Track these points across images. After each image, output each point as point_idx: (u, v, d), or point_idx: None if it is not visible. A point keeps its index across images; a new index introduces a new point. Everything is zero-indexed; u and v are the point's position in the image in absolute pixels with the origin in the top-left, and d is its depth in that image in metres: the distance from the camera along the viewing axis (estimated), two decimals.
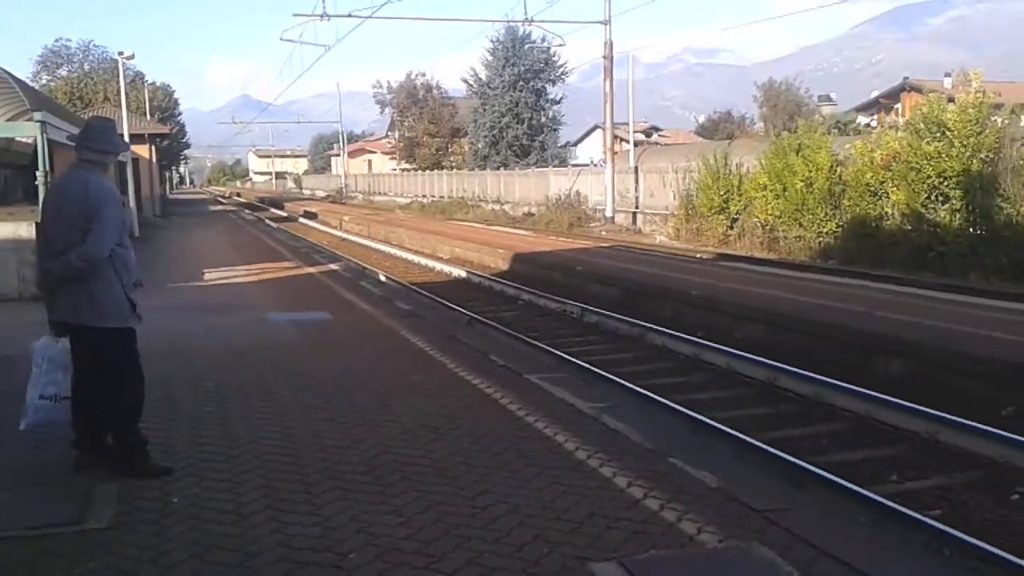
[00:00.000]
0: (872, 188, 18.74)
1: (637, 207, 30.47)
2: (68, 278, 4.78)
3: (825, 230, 19.77)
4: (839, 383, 8.32)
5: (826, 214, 19.74)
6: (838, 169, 20.11)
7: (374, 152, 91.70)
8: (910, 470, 6.63)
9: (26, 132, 15.92)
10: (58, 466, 5.01)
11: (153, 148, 40.95)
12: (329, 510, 4.41)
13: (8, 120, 21.06)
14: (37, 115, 13.21)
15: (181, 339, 8.95)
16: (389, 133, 78.37)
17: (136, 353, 5.03)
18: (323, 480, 4.84)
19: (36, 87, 39.28)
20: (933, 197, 17.04)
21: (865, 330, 9.99)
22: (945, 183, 16.78)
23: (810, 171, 20.08)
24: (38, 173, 12.57)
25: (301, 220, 43.98)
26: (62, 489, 4.76)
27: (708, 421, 7.48)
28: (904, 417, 7.50)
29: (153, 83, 63.32)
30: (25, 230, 12.44)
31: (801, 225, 20.23)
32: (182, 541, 4.06)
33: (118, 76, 33.77)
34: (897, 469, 6.63)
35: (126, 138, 21.51)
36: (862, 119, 53.63)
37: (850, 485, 6.02)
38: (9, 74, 19.35)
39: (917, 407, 7.47)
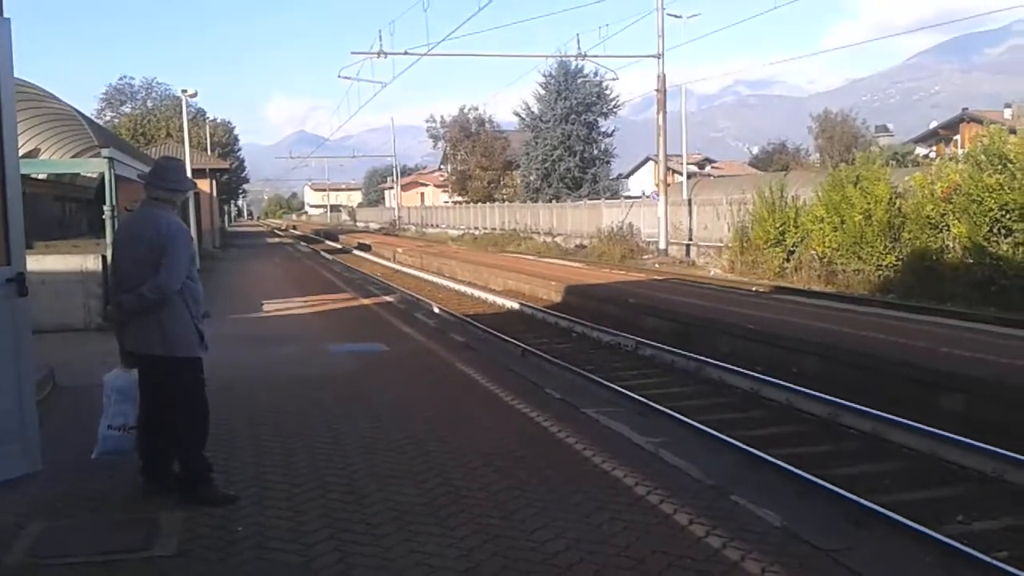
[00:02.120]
0: (932, 221, 18.44)
1: (690, 239, 30.32)
2: (140, 311, 4.92)
3: (884, 263, 19.46)
4: (901, 420, 8.14)
5: (885, 247, 19.45)
6: (897, 201, 19.83)
7: (427, 185, 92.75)
8: (976, 510, 6.44)
9: (94, 168, 16.43)
10: (126, 494, 5.12)
11: (213, 182, 41.94)
12: (389, 541, 4.44)
13: (75, 156, 21.79)
14: (105, 151, 13.61)
15: (242, 369, 9.11)
16: (442, 166, 79.21)
17: (202, 382, 5.15)
18: (382, 511, 4.87)
19: (101, 123, 40.59)
20: (995, 230, 16.71)
21: (927, 366, 9.78)
22: (1007, 216, 16.45)
23: (869, 203, 19.83)
24: (105, 207, 12.92)
25: (355, 252, 44.53)
26: (130, 516, 4.86)
27: (769, 458, 7.37)
28: (969, 455, 7.30)
29: (214, 119, 65.05)
30: (91, 263, 12.80)
31: (860, 258, 19.95)
32: (247, 570, 4.13)
33: (180, 113, 34.73)
34: (962, 509, 6.45)
35: (188, 173, 22.06)
36: (920, 150, 52.80)
37: (915, 525, 5.87)
38: (77, 111, 20.01)
39: (982, 445, 7.26)
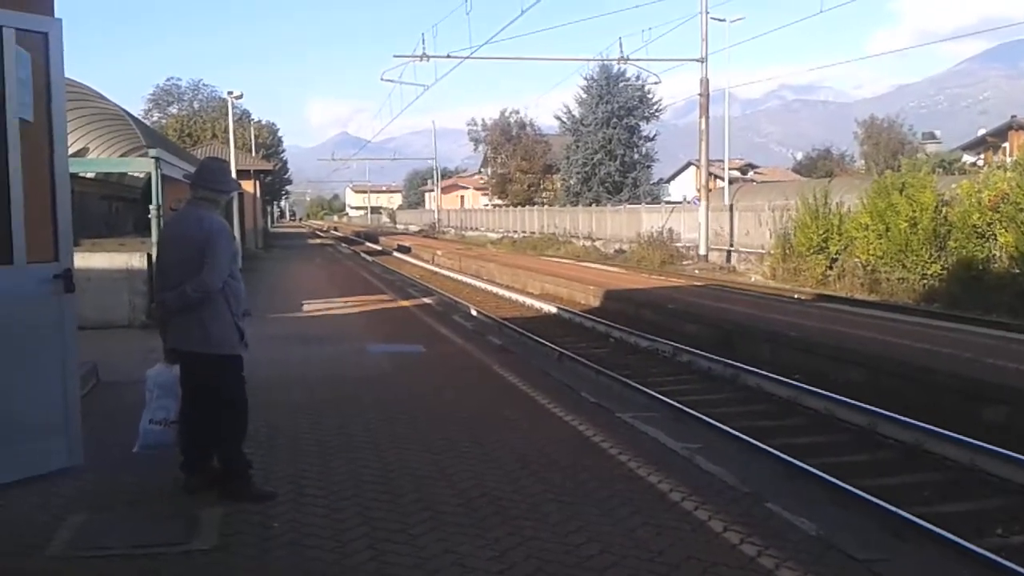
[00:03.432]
0: (979, 230, 18.13)
1: (731, 245, 30.10)
2: (183, 308, 5.01)
3: (929, 272, 19.17)
4: (942, 431, 8.02)
5: (931, 255, 19.16)
6: (943, 209, 19.52)
7: (467, 188, 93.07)
8: (1016, 524, 6.33)
9: (141, 167, 16.73)
10: (166, 488, 5.19)
11: (257, 183, 42.47)
12: (424, 540, 4.46)
13: (122, 155, 22.20)
14: (152, 151, 13.85)
15: (282, 368, 9.20)
16: (482, 169, 79.47)
17: (242, 380, 5.22)
18: (418, 511, 4.90)
19: (148, 123, 41.30)
20: None
21: (971, 376, 9.62)
22: None
23: (914, 211, 19.54)
24: (151, 207, 13.15)
25: (395, 254, 44.82)
26: (169, 510, 4.93)
27: (806, 467, 7.30)
28: (1011, 468, 7.17)
29: (259, 121, 65.87)
30: (137, 261, 13.02)
31: (904, 266, 19.66)
32: (284, 565, 4.17)
33: (226, 114, 35.23)
34: (1003, 522, 6.34)
35: (233, 174, 22.36)
36: (968, 158, 51.85)
37: (954, 538, 5.77)
38: (126, 112, 20.39)
39: None
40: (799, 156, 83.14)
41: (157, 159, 13.20)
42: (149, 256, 12.92)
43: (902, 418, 8.49)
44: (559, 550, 4.36)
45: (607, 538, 4.51)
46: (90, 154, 19.80)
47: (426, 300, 18.37)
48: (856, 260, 21.55)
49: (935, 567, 5.32)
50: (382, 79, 34.91)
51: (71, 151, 12.56)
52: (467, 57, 31.47)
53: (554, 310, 19.37)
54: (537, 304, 20.79)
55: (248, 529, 4.62)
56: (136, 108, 53.35)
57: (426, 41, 31.29)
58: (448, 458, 6.00)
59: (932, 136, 68.58)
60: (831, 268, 22.58)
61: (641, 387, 10.66)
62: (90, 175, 19.50)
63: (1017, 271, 16.78)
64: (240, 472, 5.13)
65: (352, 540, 4.47)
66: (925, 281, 19.31)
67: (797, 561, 4.27)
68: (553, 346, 13.99)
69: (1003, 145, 47.35)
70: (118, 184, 24.40)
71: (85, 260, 10.91)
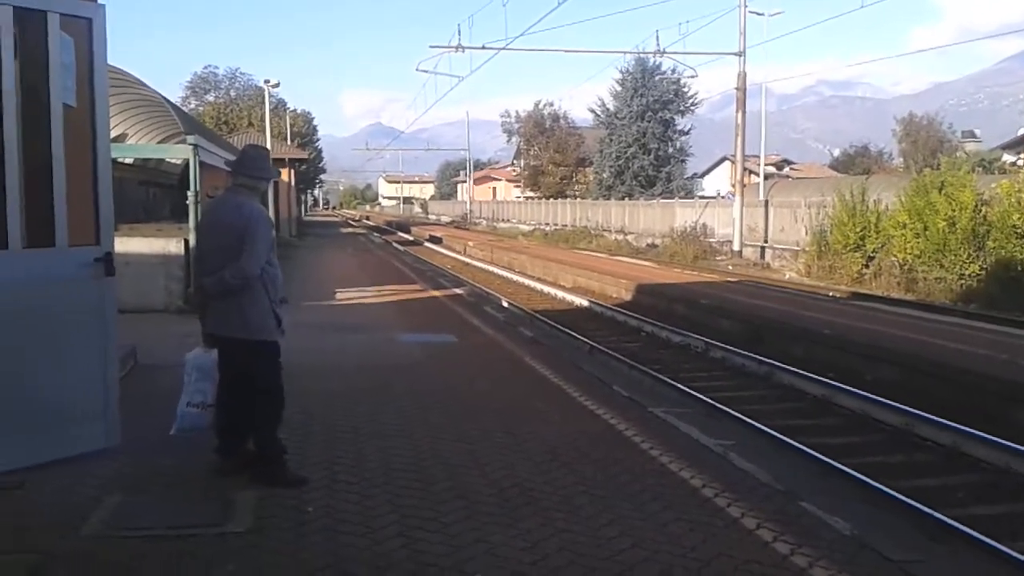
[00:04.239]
0: (1019, 230, 17.83)
1: (766, 242, 29.84)
2: (221, 294, 5.05)
3: (967, 272, 18.88)
4: (979, 433, 7.92)
5: (969, 255, 18.87)
6: (983, 209, 19.21)
7: (499, 180, 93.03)
8: None
9: (180, 153, 16.88)
10: (202, 471, 5.25)
11: (292, 172, 42.74)
12: (455, 529, 4.48)
13: (161, 141, 22.43)
14: (190, 138, 13.96)
15: (315, 355, 9.25)
16: (515, 161, 79.40)
17: (279, 365, 5.26)
18: (450, 499, 4.91)
19: (186, 111, 41.69)
20: None
21: (1008, 379, 9.47)
22: None
23: (953, 210, 19.25)
24: (189, 193, 13.27)
25: (427, 244, 44.95)
26: (204, 493, 4.99)
27: (840, 466, 7.23)
28: None
29: (294, 110, 66.28)
30: (174, 246, 13.15)
31: (942, 266, 19.38)
32: (317, 550, 4.20)
33: (262, 103, 35.51)
34: None
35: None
36: (1008, 157, 50.91)
37: (988, 540, 5.70)
38: (165, 99, 20.58)
39: None
40: (836, 153, 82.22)
41: (195, 146, 13.31)
42: (186, 242, 13.05)
43: (938, 419, 8.38)
44: (591, 543, 4.35)
45: (639, 532, 4.50)
46: (129, 140, 20.01)
47: (457, 291, 18.40)
48: (893, 259, 21.28)
49: (969, 569, 5.24)
50: (417, 69, 34.95)
51: (111, 136, 12.71)
52: (502, 48, 31.39)
53: (586, 303, 19.33)
54: (569, 297, 20.75)
55: (282, 513, 4.66)
56: (174, 95, 53.90)
57: (462, 32, 31.19)
58: (480, 448, 6.01)
59: (972, 135, 67.41)
60: (867, 266, 22.31)
61: (673, 382, 10.61)
62: (128, 160, 19.71)
63: None
64: (275, 457, 5.18)
65: (384, 527, 4.50)
66: (963, 281, 19.03)
67: (830, 560, 4.23)
68: (584, 339, 13.96)
69: None
70: (156, 170, 24.65)
71: (123, 245, 10.99)
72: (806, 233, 25.80)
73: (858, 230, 22.57)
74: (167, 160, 23.56)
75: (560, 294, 21.51)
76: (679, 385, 10.43)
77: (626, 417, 7.07)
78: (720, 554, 4.26)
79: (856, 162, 62.26)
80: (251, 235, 5.02)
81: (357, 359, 9.50)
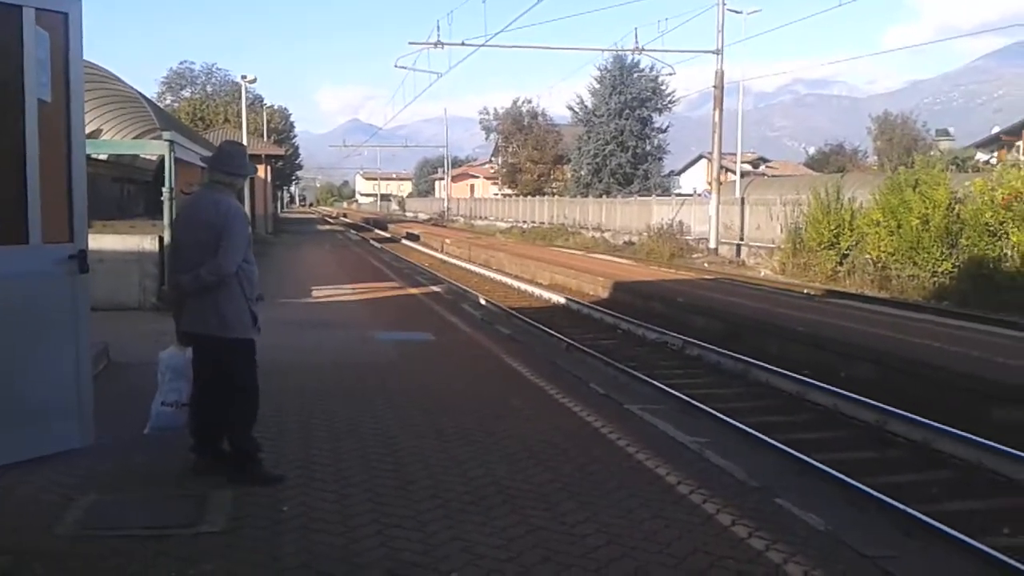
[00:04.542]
0: (991, 228, 18.06)
1: (742, 239, 30.03)
2: (197, 291, 5.02)
3: (940, 270, 19.10)
4: (951, 429, 8.00)
5: (942, 253, 19.09)
6: (956, 207, 19.43)
7: (477, 177, 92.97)
8: (1023, 523, 6.32)
9: (155, 150, 16.73)
10: (176, 470, 5.22)
11: (269, 168, 42.49)
12: (433, 527, 4.48)
13: (136, 137, 22.25)
14: (166, 134, 13.86)
15: (291, 353, 9.22)
16: (493, 158, 79.33)
17: (255, 363, 5.24)
18: (427, 498, 4.92)
19: (161, 107, 41.33)
20: None
21: (981, 375, 9.58)
22: None
23: (927, 208, 19.47)
24: (164, 189, 13.17)
25: (404, 241, 44.84)
26: (179, 492, 4.96)
27: (814, 463, 7.29)
28: (1019, 468, 7.16)
29: (271, 106, 65.85)
30: (148, 243, 13.05)
31: (915, 264, 19.60)
32: (293, 548, 4.19)
33: (239, 99, 35.23)
34: (1009, 522, 6.32)
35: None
36: (981, 156, 51.50)
37: (961, 536, 5.77)
38: (141, 94, 20.41)
39: None
40: (811, 151, 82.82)
41: (171, 142, 13.21)
42: (160, 239, 12.95)
43: (911, 416, 8.47)
44: (566, 540, 4.37)
45: (615, 529, 4.52)
46: (103, 136, 19.85)
47: (435, 288, 18.39)
48: (867, 256, 21.49)
49: (942, 565, 5.31)
50: (396, 66, 34.91)
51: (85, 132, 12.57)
52: (482, 45, 31.38)
53: (563, 300, 19.36)
54: (546, 294, 20.78)
55: (257, 512, 4.65)
56: (149, 91, 53.35)
57: (441, 28, 31.15)
58: (457, 446, 6.02)
59: (946, 133, 68.14)
60: (841, 264, 22.51)
61: (649, 379, 10.65)
62: (102, 157, 19.54)
63: None
64: (250, 455, 5.16)
65: (361, 525, 4.49)
66: (936, 279, 19.24)
67: (805, 556, 4.28)
68: (561, 336, 13.99)
69: (1017, 143, 47.03)
70: (130, 166, 24.46)
71: (97, 242, 10.91)
72: (781, 231, 26.01)
73: (832, 228, 22.76)
74: (141, 156, 23.36)
75: (537, 292, 21.53)
76: (655, 382, 10.47)
77: (602, 414, 7.10)
78: (696, 550, 4.29)
79: (831, 160, 62.70)
80: (228, 232, 4.99)
81: (333, 357, 9.48)
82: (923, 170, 20.70)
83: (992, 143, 53.37)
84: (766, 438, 8.02)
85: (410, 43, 32.96)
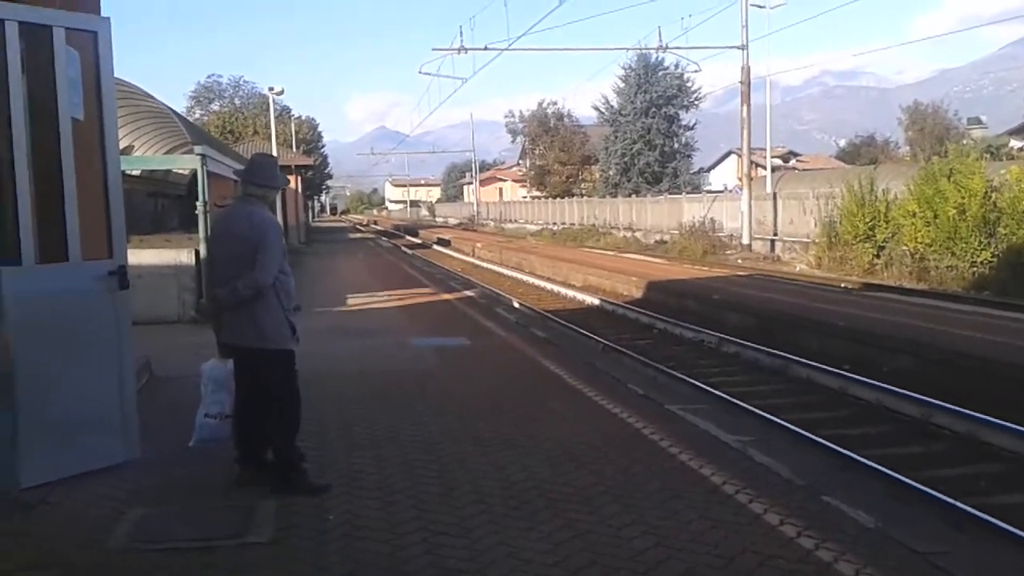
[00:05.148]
0: None
1: (775, 234, 29.76)
2: (235, 304, 5.05)
3: (979, 259, 18.78)
4: (997, 421, 7.86)
5: (980, 243, 18.77)
6: (993, 195, 19.11)
7: (505, 180, 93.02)
8: None
9: (187, 164, 16.92)
10: (221, 481, 5.26)
11: (299, 179, 42.82)
12: (478, 533, 4.46)
13: (167, 152, 22.52)
14: (198, 148, 14.02)
15: (330, 362, 9.26)
16: (520, 161, 79.35)
17: (295, 373, 5.26)
18: (471, 503, 4.90)
19: (190, 120, 41.81)
20: None
21: None
22: None
23: (963, 197, 19.16)
24: (197, 203, 13.31)
25: (435, 247, 44.98)
26: (225, 503, 4.98)
27: (860, 459, 7.19)
28: None
29: (299, 117, 66.40)
30: (185, 257, 13.19)
31: (953, 254, 19.29)
32: (339, 557, 4.20)
33: (267, 110, 35.55)
34: None
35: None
36: (1015, 143, 50.68)
37: (1013, 529, 5.66)
38: (171, 110, 20.64)
39: None
40: (842, 143, 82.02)
41: (203, 156, 13.36)
42: (197, 252, 13.08)
43: (956, 408, 8.33)
44: (613, 543, 4.34)
45: (662, 531, 4.48)
46: (135, 151, 20.10)
47: (468, 293, 18.40)
48: (904, 248, 21.19)
49: (995, 558, 5.21)
50: (420, 72, 34.99)
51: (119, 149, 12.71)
52: (505, 49, 31.38)
53: (597, 302, 19.30)
54: (579, 296, 20.73)
55: (303, 522, 4.66)
56: (178, 105, 53.98)
57: (464, 33, 31.21)
58: (497, 450, 6.00)
59: (978, 121, 67.11)
60: (878, 256, 22.22)
61: (688, 379, 10.58)
62: (136, 172, 19.78)
63: None
64: (294, 465, 5.17)
65: (406, 533, 4.49)
66: (975, 269, 18.94)
67: (855, 554, 4.21)
68: (597, 338, 13.94)
69: None
70: (163, 181, 24.72)
71: (135, 257, 10.95)
72: (815, 225, 25.72)
73: (868, 220, 22.48)
74: (174, 171, 23.63)
75: (571, 293, 21.49)
76: (694, 381, 10.40)
77: (642, 415, 7.05)
78: (744, 550, 4.24)
79: (862, 152, 61.99)
80: (263, 244, 5.01)
81: (371, 364, 9.51)
82: (957, 159, 20.39)
83: None
84: (810, 435, 7.94)
85: (434, 49, 33.21)
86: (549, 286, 23.49)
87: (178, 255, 13.17)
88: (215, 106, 65.14)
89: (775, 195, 30.44)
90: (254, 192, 5.28)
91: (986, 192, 19.14)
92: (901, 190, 22.16)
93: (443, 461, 5.77)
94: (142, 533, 4.57)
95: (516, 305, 18.53)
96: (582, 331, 14.72)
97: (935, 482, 6.65)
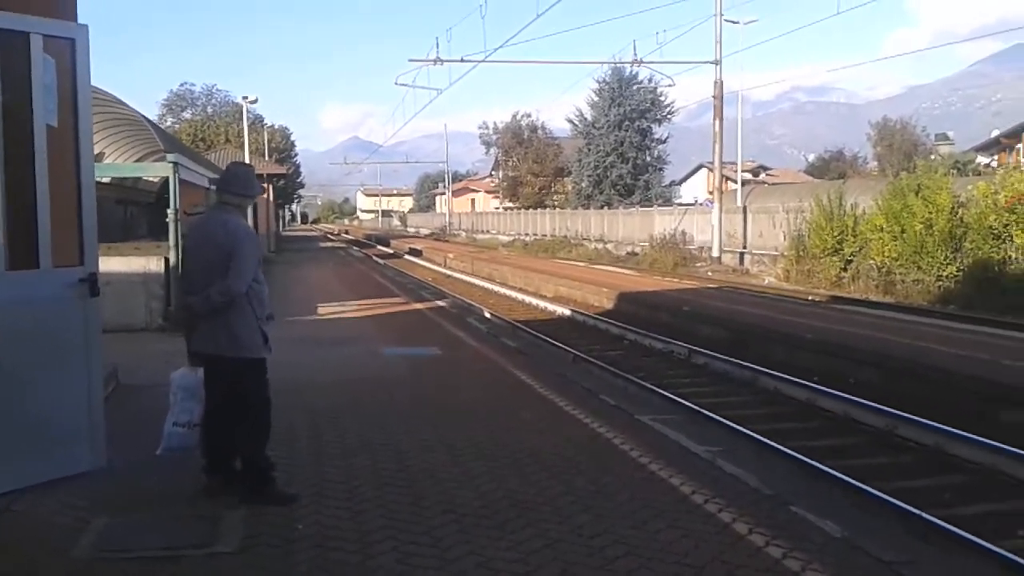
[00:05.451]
0: (995, 231, 18.04)
1: (745, 247, 30.03)
2: (208, 312, 5.03)
3: (945, 274, 19.08)
4: (963, 433, 7.97)
5: (946, 257, 19.07)
6: (959, 211, 19.43)
7: (478, 191, 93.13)
8: None
9: (159, 172, 16.76)
10: (189, 490, 5.21)
11: (271, 187, 42.59)
12: (448, 542, 4.47)
13: (138, 160, 22.29)
14: (170, 156, 13.91)
15: (299, 371, 9.19)
16: (493, 172, 79.49)
17: (267, 383, 5.24)
18: (441, 513, 4.90)
19: (163, 128, 41.46)
20: None
21: (990, 378, 9.56)
22: None
23: (930, 212, 19.46)
24: (168, 210, 13.21)
25: (407, 257, 44.86)
26: (192, 512, 4.95)
27: (827, 469, 7.26)
28: None
29: (272, 125, 66.10)
30: (154, 264, 13.07)
31: (920, 268, 19.58)
32: (308, 567, 4.18)
33: (239, 119, 35.38)
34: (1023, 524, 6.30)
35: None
36: (981, 159, 51.56)
37: (977, 540, 5.75)
38: (144, 117, 20.48)
39: None
40: (811, 158, 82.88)
41: (175, 164, 13.26)
42: (166, 260, 12.98)
43: (922, 420, 8.44)
44: (584, 552, 4.36)
45: (632, 540, 4.51)
46: (106, 159, 19.89)
47: (439, 303, 18.39)
48: (871, 262, 21.48)
49: (960, 569, 5.29)
50: (396, 83, 35.03)
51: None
52: (481, 61, 31.53)
53: (568, 312, 19.35)
54: (551, 307, 20.77)
55: (271, 531, 4.64)
56: (151, 113, 53.57)
57: (440, 45, 31.28)
58: (468, 460, 6.01)
59: (945, 137, 68.20)
60: (845, 270, 22.50)
61: (659, 389, 10.63)
62: (105, 179, 19.56)
63: None
64: (263, 474, 5.15)
65: (376, 542, 4.48)
66: (940, 283, 19.22)
67: (823, 563, 4.26)
68: (568, 348, 13.97)
69: (1017, 146, 47.05)
70: (132, 188, 24.46)
71: (104, 264, 10.77)
72: (784, 238, 26.00)
73: (836, 234, 22.76)
74: (144, 178, 23.40)
75: (542, 304, 21.52)
76: (664, 392, 10.45)
77: (613, 425, 7.09)
78: (714, 559, 4.28)
79: (831, 167, 62.74)
80: (238, 253, 5.00)
81: (342, 374, 9.47)
82: (925, 175, 20.72)
83: (992, 146, 53.40)
84: (778, 446, 8.00)
85: (410, 60, 33.43)
86: (521, 297, 23.52)
87: (147, 263, 13.05)
88: (187, 114, 64.77)
89: (745, 208, 30.73)
90: (230, 200, 5.28)
91: (953, 207, 19.45)
92: (869, 205, 22.47)
93: (413, 471, 5.76)
94: (108, 542, 4.53)
95: (487, 315, 18.53)
96: (553, 342, 14.75)
97: (901, 493, 6.72)
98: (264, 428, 5.21)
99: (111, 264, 12.28)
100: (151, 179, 22.99)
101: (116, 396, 7.90)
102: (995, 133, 56.19)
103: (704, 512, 4.98)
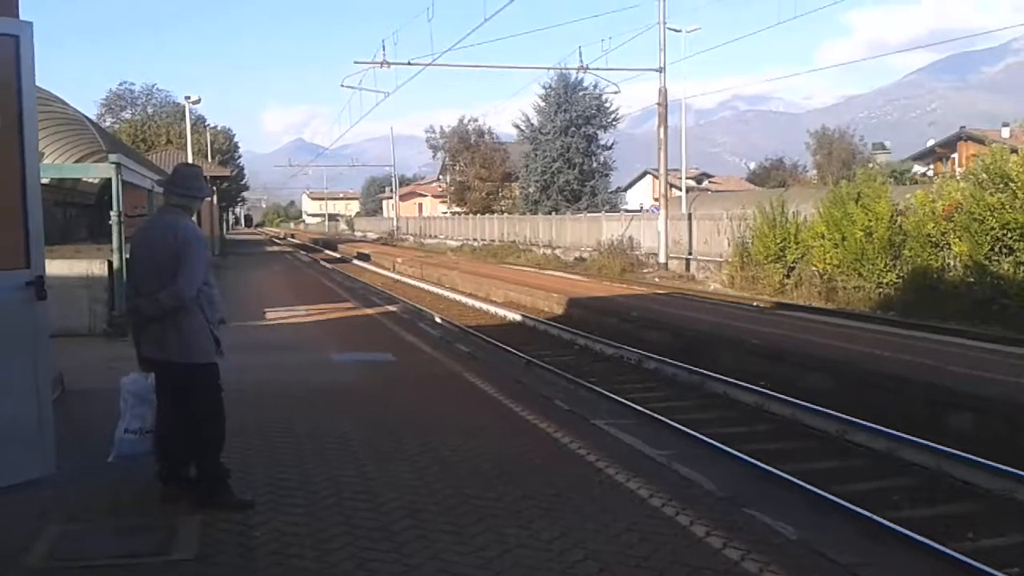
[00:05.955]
0: (933, 239, 18.50)
1: (690, 254, 30.39)
2: (157, 316, 4.93)
3: (885, 281, 19.50)
4: (910, 437, 8.18)
5: (886, 264, 19.49)
6: (898, 219, 19.89)
7: (425, 195, 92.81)
8: (986, 527, 6.48)
9: (102, 173, 16.38)
10: (144, 498, 5.11)
11: (214, 190, 41.89)
12: (409, 548, 4.44)
13: (79, 160, 21.77)
14: (113, 157, 13.59)
15: (249, 377, 9.05)
16: (440, 177, 79.31)
17: (219, 388, 5.15)
18: (401, 519, 4.87)
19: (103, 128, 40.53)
20: (996, 249, 16.76)
21: (934, 383, 9.81)
22: (1009, 235, 16.52)
23: (870, 220, 19.87)
24: (112, 213, 12.93)
25: (355, 262, 44.54)
26: (147, 520, 4.85)
27: (781, 473, 7.39)
28: (978, 473, 7.34)
29: (214, 127, 65.05)
30: (97, 268, 12.77)
31: (860, 275, 19.99)
32: (267, 574, 4.12)
33: (181, 119, 34.78)
34: (972, 526, 6.49)
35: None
36: (918, 168, 53.01)
37: (928, 541, 5.90)
38: (86, 117, 20.00)
39: (991, 464, 7.31)
40: (752, 166, 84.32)
41: (118, 164, 12.98)
42: (110, 263, 12.70)
43: (871, 425, 8.64)
44: (544, 557, 4.37)
45: (592, 544, 4.53)
46: (46, 159, 19.34)
47: (390, 308, 18.28)
48: (813, 269, 21.87)
49: (911, 570, 5.42)
50: (342, 86, 34.68)
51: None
52: (428, 64, 31.40)
53: (519, 318, 19.39)
54: (501, 312, 20.80)
55: (229, 538, 4.57)
56: (89, 112, 52.30)
57: (387, 48, 31.11)
58: (427, 466, 5.98)
59: (882, 146, 69.96)
60: (788, 276, 22.88)
61: (612, 395, 10.71)
62: (44, 181, 19.07)
63: (971, 280, 17.14)
64: (219, 481, 5.06)
65: (335, 548, 4.44)
66: (881, 290, 19.64)
67: (780, 564, 4.32)
68: (520, 354, 14.00)
69: (952, 156, 48.53)
70: (72, 190, 23.92)
71: (46, 267, 10.68)
72: (728, 245, 26.36)
73: (779, 241, 23.14)
74: (84, 179, 22.87)
75: (493, 309, 21.54)
76: (617, 397, 10.53)
77: (569, 430, 7.12)
78: (673, 562, 4.32)
79: (772, 175, 63.93)
80: (187, 255, 4.91)
81: (292, 380, 9.36)
82: (865, 183, 21.15)
83: (928, 156, 54.96)
84: (730, 449, 8.12)
85: (356, 62, 32.96)
86: (471, 302, 23.50)
87: (90, 266, 12.75)
88: (127, 114, 63.39)
89: (690, 215, 31.10)
90: (177, 202, 5.19)
91: (892, 215, 19.90)
92: (810, 212, 22.89)
93: (370, 475, 5.72)
94: (62, 551, 4.42)
95: (439, 320, 18.49)
96: (505, 347, 14.77)
97: (852, 496, 6.87)
98: (218, 434, 5.12)
99: (53, 268, 11.84)
100: (91, 180, 22.48)
101: (62, 402, 7.69)
102: (931, 143, 57.87)
103: (663, 515, 5.03)
